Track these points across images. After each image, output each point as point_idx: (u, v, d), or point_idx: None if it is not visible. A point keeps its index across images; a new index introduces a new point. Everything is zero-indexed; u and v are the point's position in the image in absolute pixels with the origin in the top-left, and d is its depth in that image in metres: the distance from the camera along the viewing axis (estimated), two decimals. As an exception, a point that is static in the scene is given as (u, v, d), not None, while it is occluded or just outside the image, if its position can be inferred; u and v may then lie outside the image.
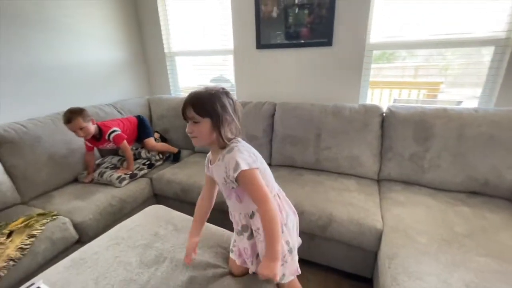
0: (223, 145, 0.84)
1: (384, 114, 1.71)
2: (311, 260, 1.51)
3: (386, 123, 1.68)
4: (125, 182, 1.74)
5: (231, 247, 1.04)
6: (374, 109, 1.71)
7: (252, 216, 0.89)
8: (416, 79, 2.00)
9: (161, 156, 2.09)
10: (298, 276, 1.48)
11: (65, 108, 1.94)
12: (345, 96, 1.99)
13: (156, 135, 2.26)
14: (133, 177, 1.80)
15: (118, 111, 2.21)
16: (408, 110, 1.63)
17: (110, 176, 1.73)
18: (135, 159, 2.02)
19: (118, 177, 1.73)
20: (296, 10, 1.96)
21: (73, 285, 0.94)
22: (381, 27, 1.81)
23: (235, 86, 2.38)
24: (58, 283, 0.95)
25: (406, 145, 1.59)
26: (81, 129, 1.63)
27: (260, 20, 2.06)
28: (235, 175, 0.78)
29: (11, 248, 1.15)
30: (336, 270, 1.48)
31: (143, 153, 2.06)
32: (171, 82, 2.71)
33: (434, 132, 1.53)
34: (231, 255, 1.02)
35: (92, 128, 1.70)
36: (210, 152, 0.94)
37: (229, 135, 0.83)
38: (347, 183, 1.63)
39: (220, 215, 1.34)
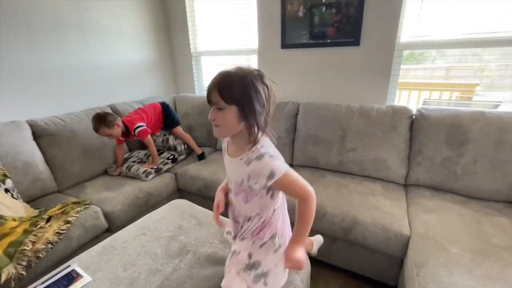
0: (249, 141, 0.72)
1: (413, 117, 1.64)
2: (332, 263, 1.49)
3: (416, 125, 1.61)
4: (151, 176, 1.81)
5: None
6: (403, 111, 1.64)
7: (249, 220, 0.80)
8: (448, 80, 1.89)
9: (186, 146, 2.15)
10: (318, 278, 1.46)
11: (99, 103, 2.07)
12: (372, 97, 1.93)
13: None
14: (158, 171, 1.87)
15: (146, 108, 2.30)
16: (441, 112, 1.54)
17: (137, 170, 1.81)
18: (163, 146, 2.11)
19: (145, 171, 1.80)
20: (323, 9, 1.93)
21: (103, 270, 1.00)
22: (412, 25, 1.73)
23: (259, 85, 2.39)
24: (90, 267, 1.01)
25: (438, 150, 1.51)
26: (108, 135, 1.74)
27: (286, 20, 2.05)
28: (270, 183, 0.68)
29: (50, 232, 1.24)
30: (358, 275, 1.44)
31: (171, 140, 2.14)
32: (196, 81, 2.78)
33: (469, 137, 1.44)
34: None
35: (118, 131, 1.77)
36: (229, 139, 0.81)
37: (258, 130, 0.70)
38: (372, 186, 1.58)
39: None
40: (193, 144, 2.18)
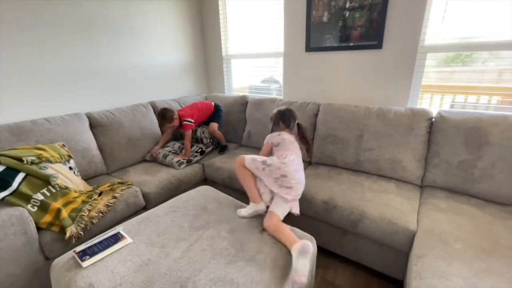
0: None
1: (433, 119, 1.65)
2: (342, 254, 1.57)
3: (435, 128, 1.62)
4: (183, 165, 2.05)
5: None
6: (422, 113, 1.67)
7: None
8: (498, 84, 1.76)
9: (211, 140, 2.39)
10: (327, 267, 1.56)
11: (142, 100, 2.38)
12: (393, 100, 1.96)
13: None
14: (189, 162, 2.11)
15: (180, 106, 2.57)
16: (462, 115, 1.55)
17: (172, 159, 2.06)
18: (192, 137, 2.36)
19: (178, 161, 2.05)
20: (347, 14, 2.01)
21: (141, 235, 1.22)
22: (437, 28, 1.74)
23: (283, 86, 2.53)
24: (131, 232, 1.24)
25: (456, 152, 1.52)
26: (171, 127, 2.19)
27: (311, 24, 2.17)
28: None
29: (101, 204, 1.51)
30: (366, 268, 1.51)
31: (198, 132, 2.39)
32: (226, 82, 3.00)
33: (489, 140, 1.43)
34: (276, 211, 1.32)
35: (177, 122, 2.19)
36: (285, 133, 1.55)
37: None
38: (386, 185, 1.63)
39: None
40: (222, 138, 2.40)
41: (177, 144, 2.29)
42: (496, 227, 1.23)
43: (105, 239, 1.17)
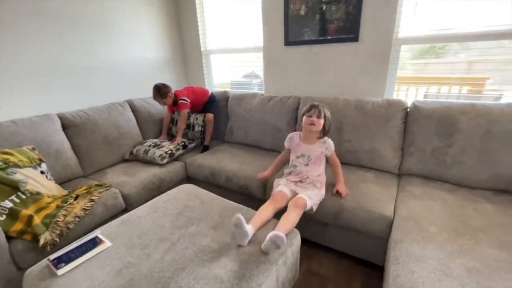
0: (318, 136, 1.53)
1: (408, 109, 1.71)
2: (325, 244, 1.61)
3: (410, 118, 1.68)
4: (165, 160, 2.01)
5: (279, 188, 1.46)
6: (398, 104, 1.72)
7: (318, 175, 1.49)
8: (469, 74, 1.84)
9: (202, 129, 2.37)
10: (311, 257, 1.59)
11: (118, 99, 2.29)
12: (371, 91, 2.01)
13: None
14: (171, 156, 2.06)
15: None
16: (433, 105, 1.62)
17: (154, 154, 2.00)
18: (192, 125, 2.37)
19: (160, 155, 2.00)
20: (324, 7, 2.02)
21: (121, 238, 1.18)
22: (409, 21, 1.80)
23: (264, 81, 2.53)
24: (110, 235, 1.20)
25: (429, 140, 1.59)
26: (163, 103, 2.25)
27: (288, 18, 2.17)
28: (333, 148, 1.53)
29: (77, 208, 1.45)
30: (349, 256, 1.56)
31: (192, 118, 2.38)
32: (206, 78, 2.95)
33: (459, 128, 1.51)
34: (283, 189, 1.44)
35: (169, 100, 2.23)
36: (298, 135, 1.58)
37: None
38: (365, 175, 1.68)
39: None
40: (209, 135, 2.36)
41: (155, 140, 2.24)
42: (467, 210, 1.30)
43: (82, 245, 1.13)
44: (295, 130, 2.07)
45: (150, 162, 2.03)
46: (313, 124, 1.45)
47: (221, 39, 2.71)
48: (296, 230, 1.24)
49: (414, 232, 1.16)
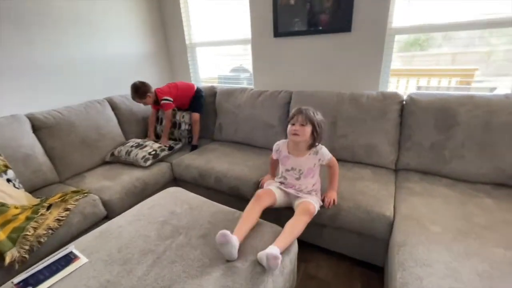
0: (308, 146, 1.32)
1: (404, 102, 1.65)
2: (323, 246, 1.53)
3: (406, 111, 1.62)
4: (149, 161, 1.87)
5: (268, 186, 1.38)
6: (394, 97, 1.65)
7: (313, 185, 1.35)
8: (453, 66, 1.84)
9: (189, 127, 2.24)
10: (309, 260, 1.52)
11: (96, 96, 2.12)
12: (364, 84, 1.93)
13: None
14: (155, 157, 1.92)
15: (143, 100, 2.34)
16: (430, 97, 1.55)
17: (136, 155, 1.86)
18: (179, 123, 2.24)
19: (143, 156, 1.86)
20: (315, -4, 1.92)
21: (100, 252, 1.06)
22: (403, 10, 1.72)
23: (253, 75, 2.41)
24: (87, 249, 1.08)
25: (427, 134, 1.53)
26: (143, 103, 2.09)
27: (278, 8, 2.05)
28: (329, 157, 1.33)
29: (50, 219, 1.30)
30: (348, 257, 1.49)
31: (178, 115, 2.25)
32: (192, 73, 2.80)
33: (458, 120, 1.45)
34: (272, 188, 1.34)
35: (149, 100, 2.08)
36: (288, 146, 1.36)
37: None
38: (361, 172, 1.61)
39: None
40: (197, 135, 2.23)
41: (138, 139, 2.09)
42: (468, 206, 1.25)
43: (53, 263, 1.00)
44: (287, 127, 1.99)
45: (133, 164, 1.89)
46: (296, 134, 1.24)
47: (207, 31, 2.56)
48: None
49: (417, 233, 1.09)
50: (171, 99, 2.12)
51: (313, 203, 1.25)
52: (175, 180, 2.03)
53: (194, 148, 2.18)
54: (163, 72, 2.81)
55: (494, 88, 1.75)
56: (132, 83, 2.02)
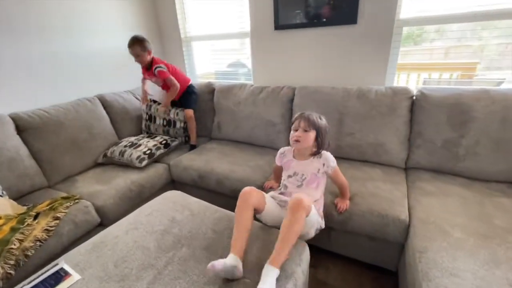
0: (312, 152, 1.23)
1: (414, 97, 1.57)
2: (331, 250, 1.46)
3: (417, 107, 1.54)
4: (144, 162, 1.76)
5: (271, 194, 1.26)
6: (403, 92, 1.57)
7: (315, 201, 1.18)
8: (446, 60, 1.81)
9: (184, 125, 2.10)
10: (317, 265, 1.44)
11: (86, 94, 1.99)
12: (370, 79, 1.85)
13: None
14: (151, 156, 1.81)
15: (136, 98, 2.22)
16: (442, 92, 1.48)
17: (130, 155, 1.75)
18: (164, 118, 2.10)
19: (138, 156, 1.75)
20: (318, -14, 1.81)
21: (94, 267, 0.96)
22: (413, 0, 1.63)
23: (252, 70, 2.30)
24: (79, 265, 0.97)
25: (439, 131, 1.46)
26: (137, 56, 1.89)
27: (279, -1, 1.94)
28: (334, 165, 1.21)
29: (38, 230, 1.19)
30: (357, 261, 1.42)
31: (172, 113, 2.09)
32: (188, 68, 2.67)
33: (473, 116, 1.38)
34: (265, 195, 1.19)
35: (147, 58, 1.91)
36: (291, 151, 1.29)
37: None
38: (371, 172, 1.53)
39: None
40: (193, 132, 2.11)
41: (132, 137, 1.97)
42: (487, 207, 1.19)
43: (41, 282, 0.89)
44: (290, 125, 1.89)
45: (128, 165, 1.78)
46: (298, 141, 1.16)
47: (203, 24, 2.43)
48: (304, 243, 1.07)
49: (438, 238, 1.02)
50: (166, 68, 1.97)
51: (307, 197, 1.04)
52: (173, 182, 1.92)
53: (192, 147, 2.07)
54: (157, 67, 2.66)
55: (502, 81, 1.69)
56: (134, 35, 1.89)
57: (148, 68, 1.98)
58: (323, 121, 1.21)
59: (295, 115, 1.23)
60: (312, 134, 1.17)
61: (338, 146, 1.70)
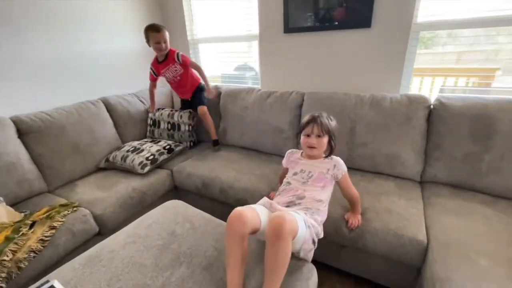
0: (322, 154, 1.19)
1: (431, 106, 1.47)
2: (340, 268, 1.37)
3: (435, 116, 1.44)
4: (147, 168, 1.70)
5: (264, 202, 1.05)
6: (420, 101, 1.47)
7: (319, 201, 1.08)
8: (459, 65, 1.70)
9: (190, 128, 2.05)
10: (323, 283, 1.36)
11: (89, 97, 1.96)
12: (384, 85, 1.76)
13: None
14: (154, 162, 1.76)
15: (140, 100, 2.17)
16: (464, 101, 1.38)
17: (133, 161, 1.70)
18: (168, 122, 2.06)
19: (140, 162, 1.69)
20: (330, -13, 1.73)
21: (86, 285, 0.90)
22: (430, 3, 1.54)
23: (260, 74, 2.23)
24: (72, 282, 0.91)
25: (460, 144, 1.35)
26: (165, 41, 1.82)
27: (289, 1, 1.86)
28: (344, 171, 1.15)
29: (33, 240, 1.14)
30: (367, 280, 1.33)
31: (176, 116, 2.05)
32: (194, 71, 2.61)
33: (497, 129, 1.27)
34: (256, 207, 0.99)
35: (162, 46, 1.82)
36: (299, 152, 1.25)
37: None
38: (384, 185, 1.44)
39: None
40: (212, 127, 2.04)
41: (136, 142, 1.92)
42: (514, 230, 1.08)
43: (29, 301, 0.83)
44: (298, 133, 1.81)
45: (130, 171, 1.73)
46: (313, 147, 1.13)
47: (211, 26, 2.38)
48: (312, 266, 0.99)
49: (462, 266, 0.93)
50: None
51: (294, 215, 0.90)
52: (176, 189, 1.86)
53: (216, 143, 2.02)
54: (163, 70, 2.62)
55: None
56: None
57: (163, 60, 1.91)
58: (333, 122, 1.17)
59: (306, 118, 1.17)
60: (325, 139, 1.14)
61: (349, 156, 1.60)
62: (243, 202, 1.50)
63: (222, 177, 1.60)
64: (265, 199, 1.06)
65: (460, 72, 1.75)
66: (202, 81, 2.10)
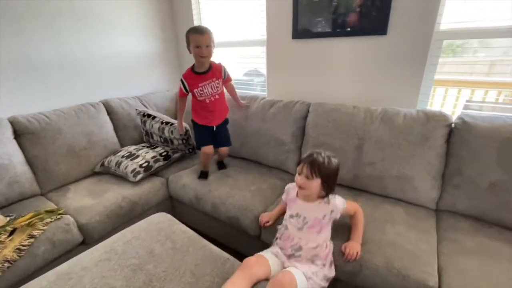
0: (319, 195, 1.07)
1: (453, 125, 1.29)
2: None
3: (456, 137, 1.27)
4: (139, 176, 1.64)
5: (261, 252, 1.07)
6: (439, 118, 1.30)
7: (316, 247, 1.02)
8: (489, 77, 1.50)
9: (182, 142, 1.89)
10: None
11: (91, 99, 1.94)
12: (400, 99, 1.59)
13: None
14: (148, 170, 1.69)
15: (143, 104, 2.14)
16: (492, 122, 1.19)
17: (126, 168, 1.64)
18: (159, 135, 1.91)
19: (133, 170, 1.63)
20: (344, -9, 1.60)
21: (47, 308, 0.83)
22: (456, 9, 1.37)
23: (267, 81, 2.13)
24: (33, 303, 0.85)
25: (486, 171, 1.17)
26: (207, 46, 1.49)
27: (298, 4, 1.75)
28: (342, 210, 1.07)
29: (9, 248, 1.10)
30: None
31: (167, 131, 1.87)
32: (202, 75, 2.56)
33: (531, 156, 1.08)
34: (266, 255, 1.04)
35: (208, 51, 1.52)
36: (295, 188, 1.13)
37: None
38: (392, 211, 1.27)
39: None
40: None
41: (132, 147, 1.87)
42: (549, 282, 0.89)
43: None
44: (301, 145, 1.68)
45: (124, 178, 1.67)
46: (302, 188, 1.04)
47: (220, 31, 2.31)
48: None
49: (480, 325, 0.76)
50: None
51: (293, 273, 0.91)
52: (171, 198, 1.79)
53: (222, 166, 1.80)
54: (171, 73, 2.59)
55: None
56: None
57: (203, 72, 1.58)
58: (332, 165, 1.03)
59: (305, 155, 1.07)
60: (315, 182, 1.01)
61: (355, 176, 1.45)
62: (235, 220, 1.39)
63: (214, 192, 1.50)
64: (275, 248, 1.08)
65: (491, 84, 1.55)
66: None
